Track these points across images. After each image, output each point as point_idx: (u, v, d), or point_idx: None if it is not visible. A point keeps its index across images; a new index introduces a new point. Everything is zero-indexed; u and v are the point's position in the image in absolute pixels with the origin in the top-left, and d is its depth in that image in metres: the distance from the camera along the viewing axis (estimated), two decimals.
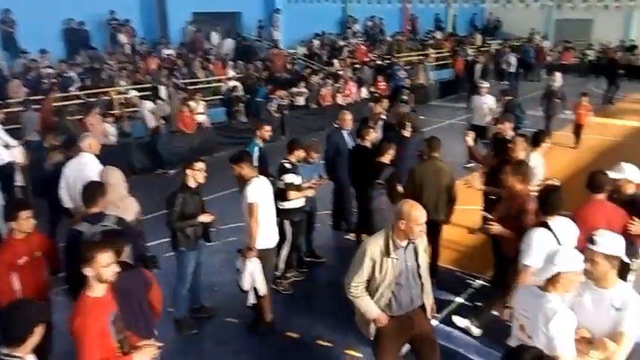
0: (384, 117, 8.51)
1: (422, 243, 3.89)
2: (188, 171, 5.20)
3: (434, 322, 5.49)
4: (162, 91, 12.65)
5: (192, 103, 12.09)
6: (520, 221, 4.58)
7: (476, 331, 5.22)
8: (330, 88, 15.33)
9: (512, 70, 19.46)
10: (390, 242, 3.71)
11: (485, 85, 11.00)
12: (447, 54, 22.99)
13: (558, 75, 12.72)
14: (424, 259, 3.93)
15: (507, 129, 6.99)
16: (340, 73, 16.70)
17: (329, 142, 7.49)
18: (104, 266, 3.11)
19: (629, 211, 4.46)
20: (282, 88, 14.11)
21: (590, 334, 3.11)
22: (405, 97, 13.00)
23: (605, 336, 3.07)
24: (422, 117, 15.57)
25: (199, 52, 17.02)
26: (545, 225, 4.04)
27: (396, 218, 3.68)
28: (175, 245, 5.24)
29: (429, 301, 4.00)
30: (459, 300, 5.96)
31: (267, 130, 6.78)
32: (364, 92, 16.12)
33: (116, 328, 3.13)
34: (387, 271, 3.73)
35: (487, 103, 10.62)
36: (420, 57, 21.03)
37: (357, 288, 3.78)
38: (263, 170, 5.92)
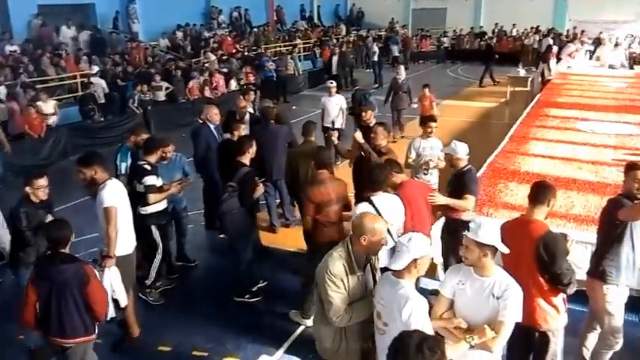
0: (250, 110, 8.27)
1: (374, 261, 3.54)
2: (27, 188, 4.61)
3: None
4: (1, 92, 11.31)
5: (40, 104, 10.93)
6: None
7: (307, 321, 5.16)
8: (197, 81, 14.77)
9: (376, 58, 20.06)
10: (353, 259, 3.36)
11: (333, 85, 10.05)
12: (315, 44, 23.32)
13: (402, 68, 12.34)
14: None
15: (370, 117, 7.17)
16: (207, 65, 16.16)
17: (197, 138, 7.09)
18: None
19: (459, 183, 4.96)
20: (143, 83, 13.25)
21: (465, 325, 3.11)
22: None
23: (485, 324, 3.07)
24: (294, 107, 15.68)
25: (48, 48, 15.48)
26: (369, 200, 4.25)
27: (355, 234, 3.35)
28: (15, 262, 4.63)
29: None
30: None
31: (143, 138, 6.11)
32: (233, 84, 15.73)
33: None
34: (354, 293, 3.37)
35: (338, 103, 9.72)
36: (288, 47, 21.09)
37: (347, 312, 3.32)
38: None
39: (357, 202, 5.99)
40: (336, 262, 3.32)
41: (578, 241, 4.96)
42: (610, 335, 4.04)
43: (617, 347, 4.06)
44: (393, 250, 3.14)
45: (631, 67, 18.25)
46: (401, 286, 3.01)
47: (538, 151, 8.28)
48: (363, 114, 7.37)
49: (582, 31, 22.07)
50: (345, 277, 3.31)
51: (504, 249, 3.06)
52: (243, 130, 6.97)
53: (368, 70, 21.11)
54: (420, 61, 25.19)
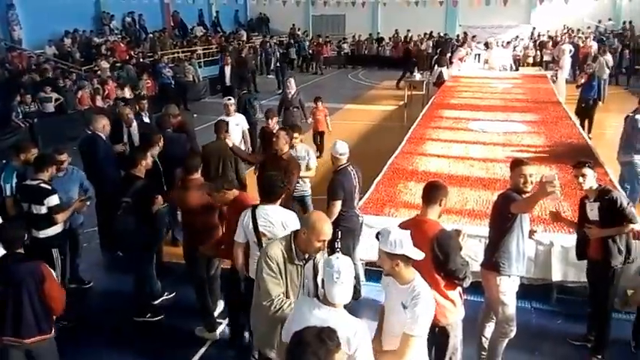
0: (146, 119, 7.90)
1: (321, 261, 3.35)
2: None
3: (220, 327, 5.28)
4: None
5: None
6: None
7: (214, 335, 5.08)
8: (88, 90, 13.94)
9: (278, 64, 20.09)
10: (294, 248, 3.34)
11: (231, 102, 8.55)
12: (215, 50, 22.94)
13: (292, 82, 10.98)
14: None
15: (274, 124, 7.19)
16: (99, 72, 15.33)
17: (90, 150, 6.65)
18: None
19: (330, 185, 5.10)
20: (27, 94, 12.29)
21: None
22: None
23: (398, 336, 3.04)
24: (195, 115, 15.25)
25: None
26: (254, 208, 4.10)
27: (301, 225, 3.38)
28: None
29: None
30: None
31: (33, 154, 5.58)
32: (127, 92, 15.00)
33: None
34: (293, 281, 3.36)
35: (239, 123, 8.29)
36: (187, 54, 20.56)
37: (281, 299, 3.25)
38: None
39: None
40: (275, 247, 3.33)
41: (473, 235, 5.23)
42: (505, 324, 4.22)
43: (512, 334, 4.26)
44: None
45: (516, 69, 19.67)
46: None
47: (434, 151, 8.60)
48: (269, 120, 7.46)
49: (474, 36, 23.42)
50: (283, 263, 3.30)
51: (417, 255, 3.02)
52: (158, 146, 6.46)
53: (270, 76, 21.10)
54: (322, 67, 25.56)
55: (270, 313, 3.26)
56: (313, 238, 3.24)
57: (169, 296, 5.77)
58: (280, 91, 18.98)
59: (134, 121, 7.46)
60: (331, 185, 5.12)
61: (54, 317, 3.98)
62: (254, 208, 4.10)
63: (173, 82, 16.74)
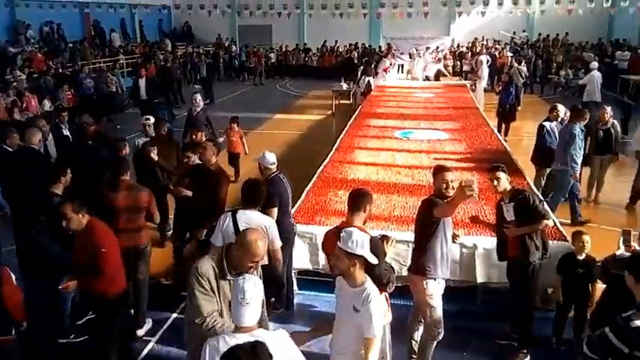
0: (66, 132, 7.56)
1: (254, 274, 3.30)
2: None
3: (149, 345, 5.11)
4: None
5: None
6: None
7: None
8: (4, 102, 13.12)
9: (204, 74, 19.79)
10: (225, 263, 3.21)
11: (150, 122, 7.70)
12: (140, 60, 22.32)
13: (198, 97, 9.98)
14: None
15: (201, 137, 7.20)
16: (15, 84, 14.47)
17: (21, 164, 6.31)
18: None
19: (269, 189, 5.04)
20: None
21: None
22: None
23: (349, 338, 3.08)
24: (118, 127, 14.74)
25: None
26: (234, 213, 4.30)
27: (236, 241, 3.27)
28: None
29: None
30: (175, 316, 5.60)
31: None
32: (47, 104, 14.28)
33: None
34: (226, 297, 3.20)
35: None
36: (109, 64, 19.88)
37: (213, 318, 3.10)
38: None
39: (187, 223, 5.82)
40: (205, 263, 3.21)
41: (401, 241, 5.36)
42: (433, 326, 4.35)
43: (440, 336, 4.39)
44: None
45: (437, 79, 20.43)
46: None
47: (362, 159, 8.77)
48: (199, 134, 7.34)
49: (394, 48, 24.14)
50: (214, 280, 3.18)
51: (373, 259, 3.07)
52: None
53: (197, 86, 20.74)
54: (250, 77, 25.48)
55: (202, 331, 3.15)
56: (246, 258, 3.14)
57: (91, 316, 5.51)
58: (207, 101, 18.75)
59: (50, 134, 7.12)
60: (269, 192, 5.02)
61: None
62: (234, 212, 4.23)
63: (95, 93, 16.11)
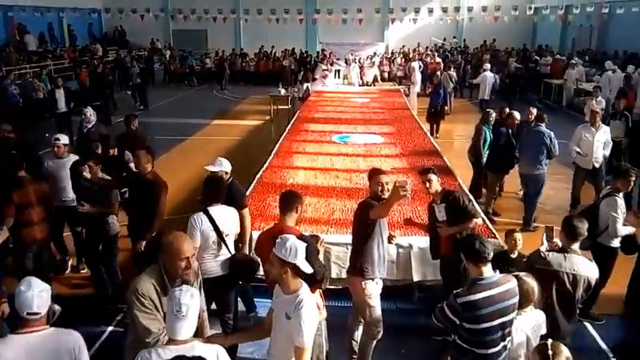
0: None
1: (195, 285, 3.22)
2: None
3: None
4: None
5: None
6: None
7: None
8: None
9: (137, 80, 19.19)
10: (165, 279, 3.11)
11: (61, 141, 6.45)
12: (69, 65, 21.51)
13: (88, 112, 8.43)
14: (202, 304, 3.31)
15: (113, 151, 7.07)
16: None
17: None
18: None
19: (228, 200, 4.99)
20: None
21: None
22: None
23: (282, 345, 3.05)
24: (47, 135, 14.09)
25: None
26: (206, 211, 4.41)
27: (161, 252, 3.16)
28: None
29: None
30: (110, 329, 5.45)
31: None
32: None
33: None
34: None
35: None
36: (36, 69, 18.99)
37: (164, 333, 2.93)
38: None
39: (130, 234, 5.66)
40: (144, 282, 3.09)
41: (341, 244, 5.48)
42: (372, 326, 4.46)
43: (379, 335, 4.51)
44: None
45: (372, 84, 20.89)
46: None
47: (301, 164, 8.85)
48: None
49: (330, 53, 24.46)
50: (157, 298, 3.06)
51: (307, 269, 3.05)
52: None
53: (129, 92, 20.18)
54: (185, 82, 25.07)
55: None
56: (174, 259, 3.09)
57: None
58: (142, 107, 18.33)
59: None
60: (236, 193, 5.16)
61: None
62: (205, 211, 4.35)
63: (21, 99, 15.36)
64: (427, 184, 4.83)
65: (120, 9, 24.21)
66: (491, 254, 3.34)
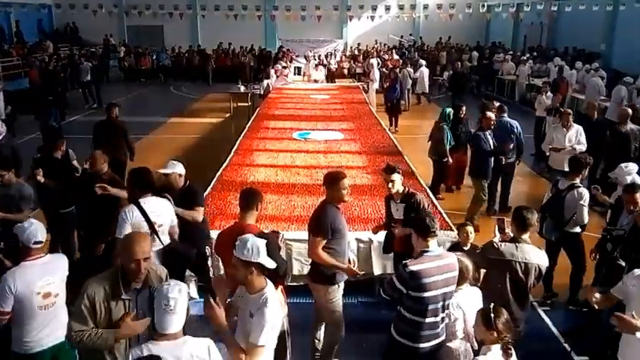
0: None
1: None
2: None
3: None
4: None
5: None
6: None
7: None
8: None
9: (88, 78, 18.63)
10: (120, 281, 3.07)
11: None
12: (18, 63, 20.78)
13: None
14: None
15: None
16: None
17: None
18: None
19: (186, 201, 5.00)
20: None
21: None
22: None
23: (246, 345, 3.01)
24: None
25: None
26: (137, 203, 4.40)
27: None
28: None
29: None
30: None
31: None
32: None
33: None
34: (116, 317, 3.05)
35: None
36: None
37: (81, 334, 2.97)
38: None
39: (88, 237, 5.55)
40: (94, 285, 3.07)
41: (301, 240, 5.49)
42: (334, 328, 4.48)
43: (342, 336, 4.52)
44: None
45: (332, 81, 20.96)
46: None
47: (261, 162, 8.84)
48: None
49: (288, 50, 24.42)
50: (104, 301, 3.05)
51: (271, 264, 3.02)
52: None
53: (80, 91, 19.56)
54: (142, 79, 24.58)
55: (75, 343, 3.10)
56: (127, 261, 3.06)
57: None
58: (95, 105, 17.90)
59: None
60: (195, 193, 5.20)
61: None
62: (136, 203, 4.35)
63: None
64: (390, 185, 4.86)
65: (71, 4, 23.45)
66: (438, 230, 3.61)
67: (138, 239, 3.15)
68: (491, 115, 7.83)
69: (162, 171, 5.09)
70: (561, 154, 7.79)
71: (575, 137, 7.94)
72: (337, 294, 4.45)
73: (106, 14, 24.41)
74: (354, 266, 4.38)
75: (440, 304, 3.51)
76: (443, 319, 3.60)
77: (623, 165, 5.73)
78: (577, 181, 5.58)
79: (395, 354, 3.69)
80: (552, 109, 10.16)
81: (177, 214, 4.74)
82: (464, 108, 9.25)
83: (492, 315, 3.19)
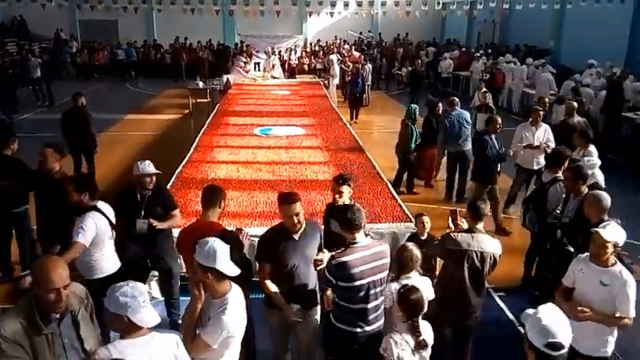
0: None
1: (82, 311, 2.91)
2: None
3: None
4: None
5: None
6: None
7: None
8: None
9: (38, 74, 17.99)
10: (36, 314, 2.67)
11: None
12: None
13: None
14: (91, 330, 2.95)
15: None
16: None
17: None
18: None
19: (158, 202, 4.92)
20: None
21: None
22: None
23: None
24: None
25: None
26: (96, 208, 4.39)
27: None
28: None
29: None
30: None
31: None
32: None
33: None
34: (44, 355, 2.69)
35: None
36: None
37: None
38: None
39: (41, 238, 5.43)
40: (9, 322, 2.64)
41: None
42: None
43: None
44: None
45: (293, 76, 20.98)
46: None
47: (222, 158, 8.80)
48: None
49: (247, 45, 24.26)
50: (25, 338, 2.64)
51: (231, 271, 2.95)
52: None
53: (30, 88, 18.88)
54: (95, 75, 23.95)
55: None
56: (43, 291, 2.65)
57: None
58: (47, 103, 17.36)
59: None
60: (168, 195, 5.21)
61: None
62: (97, 209, 4.33)
63: None
64: (337, 196, 4.65)
65: None
66: (363, 222, 3.66)
67: (55, 266, 2.70)
68: (498, 118, 7.66)
69: (151, 171, 4.83)
70: (531, 153, 7.83)
71: (544, 136, 7.87)
72: None
73: (56, 7, 23.58)
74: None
75: (370, 292, 3.59)
76: (376, 306, 3.67)
77: (585, 158, 6.09)
78: (559, 174, 5.71)
79: (334, 340, 3.78)
80: (482, 106, 10.31)
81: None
82: (440, 104, 9.36)
83: (404, 291, 3.47)
